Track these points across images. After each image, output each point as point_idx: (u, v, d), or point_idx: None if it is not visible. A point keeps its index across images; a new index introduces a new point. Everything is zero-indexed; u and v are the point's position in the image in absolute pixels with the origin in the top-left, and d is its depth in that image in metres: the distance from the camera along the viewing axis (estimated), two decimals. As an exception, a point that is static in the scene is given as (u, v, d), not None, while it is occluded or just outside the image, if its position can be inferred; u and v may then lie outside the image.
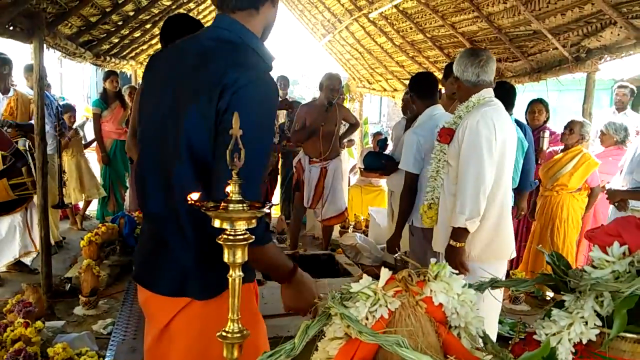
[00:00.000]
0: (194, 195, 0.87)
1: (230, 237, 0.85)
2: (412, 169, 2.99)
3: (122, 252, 4.55)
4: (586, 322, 0.91)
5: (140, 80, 7.94)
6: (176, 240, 1.28)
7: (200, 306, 1.27)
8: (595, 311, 0.91)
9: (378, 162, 3.98)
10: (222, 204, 0.85)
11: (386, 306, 0.87)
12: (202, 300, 1.27)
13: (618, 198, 3.49)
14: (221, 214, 0.84)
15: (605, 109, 6.53)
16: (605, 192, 3.73)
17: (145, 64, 7.59)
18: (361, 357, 0.85)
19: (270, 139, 1.31)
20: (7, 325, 2.65)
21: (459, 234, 2.31)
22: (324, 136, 4.63)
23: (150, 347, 1.40)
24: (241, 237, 0.86)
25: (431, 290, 0.88)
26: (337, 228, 5.77)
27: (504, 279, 2.35)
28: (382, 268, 0.92)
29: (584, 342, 0.91)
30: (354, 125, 5.10)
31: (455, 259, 2.33)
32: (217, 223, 0.85)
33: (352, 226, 5.83)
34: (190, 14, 7.17)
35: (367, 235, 5.38)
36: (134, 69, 7.33)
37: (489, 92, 2.42)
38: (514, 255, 2.49)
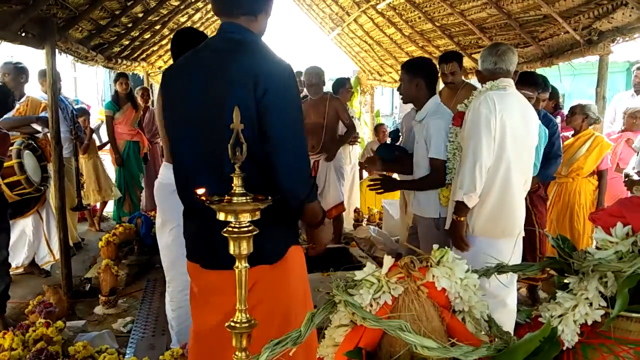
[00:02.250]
0: (200, 191, 0.89)
1: (235, 230, 0.88)
2: (443, 155, 2.91)
3: (139, 252, 4.62)
4: (590, 303, 0.92)
5: (152, 82, 8.05)
6: None
7: (269, 270, 1.47)
8: (599, 292, 0.91)
9: (391, 153, 3.93)
10: (226, 196, 0.88)
11: (389, 292, 0.88)
12: (273, 263, 1.49)
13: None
14: (225, 207, 0.86)
15: (621, 92, 6.40)
16: (623, 180, 3.66)
17: (156, 64, 7.70)
18: (366, 343, 0.87)
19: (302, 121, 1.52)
20: (29, 326, 2.71)
21: (459, 208, 2.44)
22: (311, 130, 4.61)
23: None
24: (246, 229, 0.88)
25: (433, 276, 0.89)
26: (351, 222, 5.78)
27: (512, 258, 2.38)
28: (385, 256, 0.93)
29: (589, 323, 0.92)
30: (347, 127, 4.82)
31: (456, 232, 2.48)
32: (221, 216, 0.87)
33: (365, 219, 5.83)
34: (199, 14, 7.23)
35: (381, 228, 5.38)
36: (145, 71, 7.40)
37: (505, 81, 2.49)
38: (522, 234, 2.50)
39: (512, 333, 2.77)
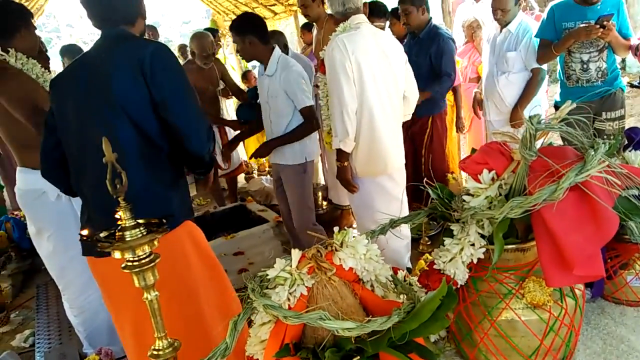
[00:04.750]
0: (84, 232, 0.83)
1: (136, 264, 0.83)
2: (310, 101, 3.00)
3: (19, 258, 4.20)
4: (473, 244, 1.05)
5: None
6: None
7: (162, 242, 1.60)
8: (479, 234, 1.04)
9: (252, 114, 3.77)
10: (117, 233, 0.82)
11: (304, 284, 0.92)
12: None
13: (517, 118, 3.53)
14: (120, 246, 0.80)
15: (462, 3, 6.84)
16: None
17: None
18: (291, 336, 0.91)
19: None
20: None
21: (339, 154, 2.55)
22: (209, 99, 4.39)
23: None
24: (147, 259, 0.84)
25: (340, 259, 0.95)
26: (242, 176, 5.74)
27: (398, 189, 2.54)
28: (293, 250, 0.96)
29: (475, 261, 1.05)
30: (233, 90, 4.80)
31: (342, 176, 2.59)
32: (117, 255, 0.81)
33: (255, 170, 5.82)
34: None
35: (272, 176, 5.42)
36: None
37: (357, 19, 2.48)
38: (393, 168, 2.61)
39: (408, 257, 3.00)
